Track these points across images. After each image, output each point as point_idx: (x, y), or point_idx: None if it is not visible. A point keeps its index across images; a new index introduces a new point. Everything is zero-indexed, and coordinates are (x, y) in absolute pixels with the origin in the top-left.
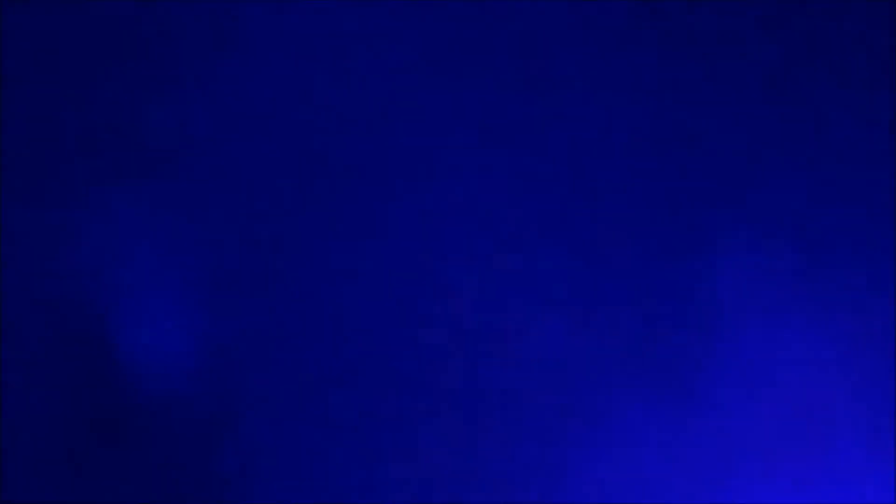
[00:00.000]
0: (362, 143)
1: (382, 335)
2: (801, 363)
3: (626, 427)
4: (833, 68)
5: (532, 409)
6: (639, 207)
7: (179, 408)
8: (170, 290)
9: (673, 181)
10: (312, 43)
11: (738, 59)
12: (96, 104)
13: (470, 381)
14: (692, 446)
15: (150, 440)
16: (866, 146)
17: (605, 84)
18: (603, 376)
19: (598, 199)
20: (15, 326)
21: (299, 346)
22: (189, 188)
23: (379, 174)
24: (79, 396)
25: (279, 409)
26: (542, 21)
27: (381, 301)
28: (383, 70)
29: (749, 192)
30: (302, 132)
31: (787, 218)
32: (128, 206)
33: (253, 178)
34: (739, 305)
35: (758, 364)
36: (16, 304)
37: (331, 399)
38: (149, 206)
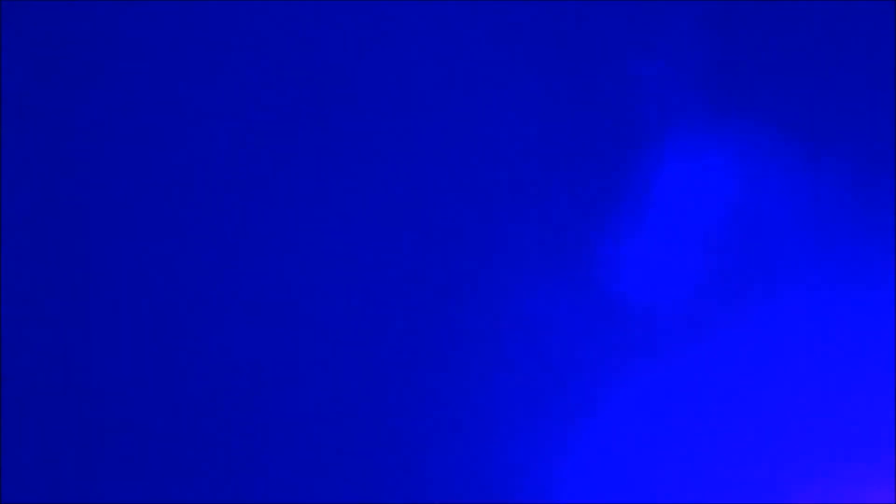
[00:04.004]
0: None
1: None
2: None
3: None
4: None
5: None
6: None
7: (177, 407)
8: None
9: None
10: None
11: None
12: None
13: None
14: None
15: (147, 440)
16: (866, 145)
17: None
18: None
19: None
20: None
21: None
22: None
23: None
24: (76, 396)
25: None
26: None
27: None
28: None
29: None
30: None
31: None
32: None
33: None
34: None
35: (755, 362)
36: (15, 301)
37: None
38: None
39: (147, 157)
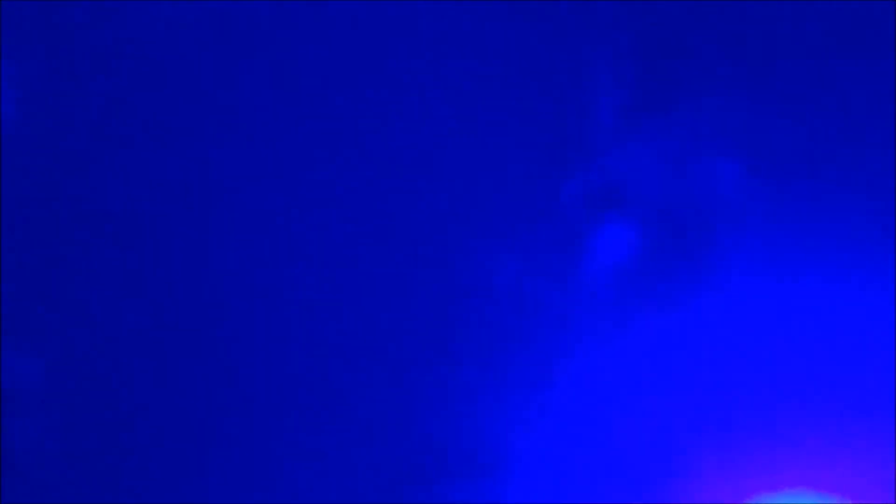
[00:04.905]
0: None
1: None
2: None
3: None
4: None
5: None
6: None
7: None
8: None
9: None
10: None
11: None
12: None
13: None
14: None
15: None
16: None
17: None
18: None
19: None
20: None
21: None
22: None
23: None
24: (76, 396)
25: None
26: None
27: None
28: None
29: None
30: None
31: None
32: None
33: None
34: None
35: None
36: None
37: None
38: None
39: (146, 157)
